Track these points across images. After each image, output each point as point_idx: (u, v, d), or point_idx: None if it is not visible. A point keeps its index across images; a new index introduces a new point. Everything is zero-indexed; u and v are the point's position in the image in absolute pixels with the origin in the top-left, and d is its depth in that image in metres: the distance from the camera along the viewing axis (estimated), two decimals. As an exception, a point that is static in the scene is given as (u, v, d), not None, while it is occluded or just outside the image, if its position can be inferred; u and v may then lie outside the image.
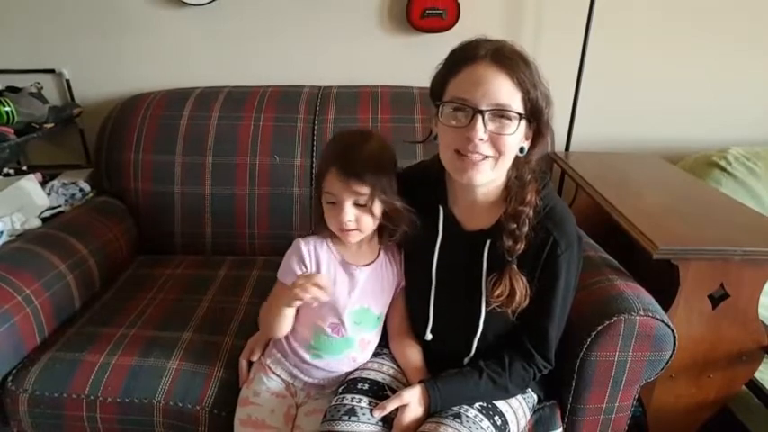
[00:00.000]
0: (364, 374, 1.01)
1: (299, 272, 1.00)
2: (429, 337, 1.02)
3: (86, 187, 1.68)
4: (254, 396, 1.05)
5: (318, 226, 1.01)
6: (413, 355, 1.03)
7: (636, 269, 1.17)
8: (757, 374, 1.30)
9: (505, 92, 0.82)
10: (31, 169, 1.73)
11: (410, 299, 1.06)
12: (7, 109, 1.59)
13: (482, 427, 0.91)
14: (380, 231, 1.02)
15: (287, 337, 1.07)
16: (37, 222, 1.45)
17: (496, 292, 0.91)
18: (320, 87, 1.77)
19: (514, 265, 0.91)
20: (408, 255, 1.04)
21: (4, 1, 1.78)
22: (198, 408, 1.10)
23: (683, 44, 1.85)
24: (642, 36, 1.84)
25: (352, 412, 0.91)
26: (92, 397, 1.10)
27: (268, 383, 1.06)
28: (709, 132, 1.94)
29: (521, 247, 0.90)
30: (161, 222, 1.64)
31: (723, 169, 1.64)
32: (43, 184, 1.63)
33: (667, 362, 1.05)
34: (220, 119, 1.64)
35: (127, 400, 1.10)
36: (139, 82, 1.85)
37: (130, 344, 1.18)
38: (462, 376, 0.96)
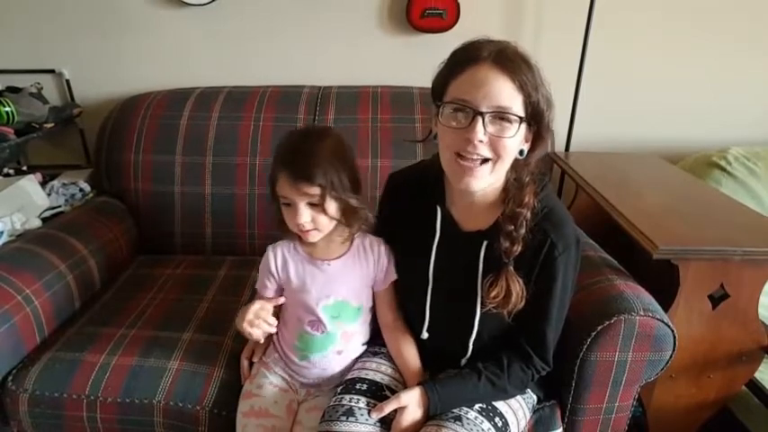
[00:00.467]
0: (363, 374, 1.01)
1: (268, 284, 1.05)
2: (425, 336, 1.02)
3: (86, 187, 1.68)
4: (256, 389, 1.06)
5: (281, 228, 1.01)
6: (408, 353, 1.02)
7: (636, 269, 1.17)
8: (757, 374, 1.30)
9: (507, 94, 0.82)
10: (31, 169, 1.73)
11: (407, 298, 1.06)
12: (7, 109, 1.59)
13: (483, 429, 0.91)
14: (352, 218, 1.01)
15: (278, 341, 1.09)
16: (37, 222, 1.45)
17: (492, 294, 0.91)
18: (320, 87, 1.77)
19: (511, 267, 0.91)
20: (405, 254, 1.04)
21: (4, 1, 1.79)
22: (198, 408, 1.10)
23: (683, 44, 1.85)
24: (642, 36, 1.84)
25: (350, 413, 0.91)
26: (92, 397, 1.10)
27: (271, 377, 1.07)
28: (709, 132, 1.94)
29: (518, 248, 0.90)
30: (161, 222, 1.64)
31: (723, 169, 1.64)
32: (43, 184, 1.63)
33: (667, 362, 1.05)
34: (220, 119, 1.64)
35: (127, 400, 1.10)
36: (139, 82, 1.85)
37: (131, 344, 1.18)
38: (461, 378, 0.96)
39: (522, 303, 0.92)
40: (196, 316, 1.30)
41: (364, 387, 0.97)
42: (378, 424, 0.92)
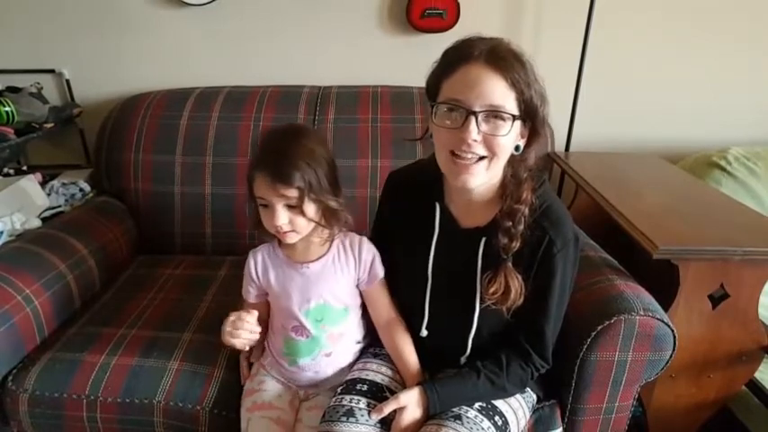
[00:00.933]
0: (363, 375, 1.01)
1: (250, 290, 1.06)
2: (424, 333, 1.02)
3: (86, 187, 1.68)
4: (258, 385, 1.06)
5: (259, 228, 0.99)
6: (406, 353, 1.02)
7: (636, 269, 1.17)
8: (757, 374, 1.30)
9: (499, 93, 0.82)
10: (31, 169, 1.73)
11: (406, 295, 1.06)
12: (7, 109, 1.59)
13: (483, 428, 0.91)
14: (330, 220, 0.99)
15: (269, 347, 1.09)
16: (37, 222, 1.45)
17: (491, 290, 0.91)
18: (320, 87, 1.77)
19: (509, 263, 0.91)
20: (405, 252, 1.04)
21: (4, 1, 1.79)
22: (198, 408, 1.10)
23: (683, 44, 1.85)
24: (642, 36, 1.84)
25: (350, 413, 0.91)
26: (92, 397, 1.10)
27: (271, 375, 1.08)
28: (709, 132, 1.94)
29: (516, 245, 0.90)
30: (161, 222, 1.64)
31: (723, 169, 1.64)
32: (43, 184, 1.63)
33: (667, 362, 1.05)
34: (220, 119, 1.64)
35: (127, 400, 1.10)
36: (139, 82, 1.85)
37: (131, 344, 1.19)
38: (460, 377, 0.96)
39: (521, 300, 0.92)
40: (196, 316, 1.30)
41: (364, 388, 0.97)
42: (378, 425, 0.92)
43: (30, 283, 1.20)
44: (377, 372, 1.02)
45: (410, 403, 0.91)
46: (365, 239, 1.04)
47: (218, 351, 1.17)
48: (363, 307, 1.08)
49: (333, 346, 1.03)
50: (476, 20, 1.75)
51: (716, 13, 1.80)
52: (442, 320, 1.01)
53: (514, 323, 0.96)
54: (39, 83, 1.78)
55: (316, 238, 1.00)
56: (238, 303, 1.09)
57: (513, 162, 0.91)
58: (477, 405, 0.95)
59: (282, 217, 0.92)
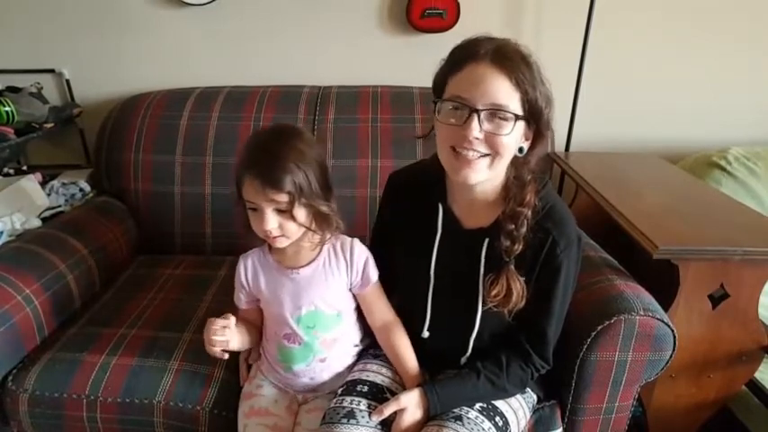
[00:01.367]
0: (364, 376, 1.00)
1: (241, 296, 1.04)
2: (426, 334, 1.02)
3: (86, 187, 1.68)
4: (256, 389, 1.06)
5: (247, 231, 0.96)
6: (405, 355, 1.01)
7: (636, 269, 1.17)
8: (757, 374, 1.30)
9: (503, 92, 0.82)
10: (31, 169, 1.73)
11: (407, 296, 1.06)
12: (7, 109, 1.59)
13: (483, 429, 0.91)
14: (321, 225, 0.97)
15: (264, 353, 1.08)
16: (37, 222, 1.45)
17: (493, 292, 0.91)
18: (320, 87, 1.77)
19: (512, 266, 0.91)
20: (407, 253, 1.03)
21: (4, 1, 1.79)
22: (198, 408, 1.10)
23: (683, 44, 1.85)
24: (642, 36, 1.84)
25: (350, 415, 0.91)
26: (92, 397, 1.10)
27: (269, 378, 1.07)
28: (709, 132, 1.94)
29: (518, 247, 0.90)
30: (161, 222, 1.64)
31: (723, 169, 1.64)
32: (43, 184, 1.63)
33: (667, 362, 1.05)
34: (220, 119, 1.64)
35: (127, 400, 1.10)
36: (139, 82, 1.85)
37: (131, 344, 1.18)
38: (460, 379, 0.96)
39: (523, 302, 0.92)
40: (196, 316, 1.30)
41: (365, 389, 0.97)
42: (378, 426, 0.92)
43: (30, 283, 1.20)
44: (377, 373, 1.02)
45: (410, 405, 0.91)
46: (357, 242, 1.02)
47: (218, 351, 1.17)
48: (359, 310, 1.06)
49: (327, 351, 1.02)
50: (476, 20, 1.75)
51: (716, 13, 1.80)
52: (443, 321, 1.00)
53: (516, 324, 0.95)
54: (39, 83, 1.78)
55: (306, 243, 0.98)
56: (234, 307, 1.08)
57: (516, 164, 0.91)
58: (477, 406, 0.95)
59: (272, 221, 0.89)
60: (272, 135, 0.93)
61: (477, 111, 0.82)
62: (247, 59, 1.87)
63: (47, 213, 1.51)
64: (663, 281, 1.16)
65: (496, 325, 0.96)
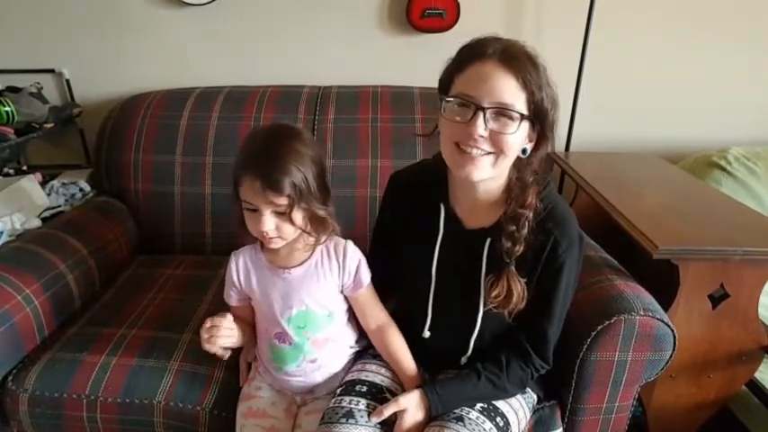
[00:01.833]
0: (362, 376, 1.00)
1: (232, 294, 1.04)
2: (427, 334, 1.02)
3: (86, 187, 1.68)
4: (254, 390, 1.06)
5: (241, 230, 0.96)
6: (403, 356, 1.01)
7: (636, 269, 1.17)
8: (757, 374, 1.30)
9: (509, 91, 0.82)
10: (31, 169, 1.73)
11: (409, 296, 1.06)
12: (7, 109, 1.59)
13: (484, 429, 0.91)
14: (318, 228, 0.96)
15: (258, 353, 1.08)
16: (37, 222, 1.45)
17: (494, 293, 0.91)
18: (320, 87, 1.77)
19: (512, 267, 0.91)
20: (408, 253, 1.03)
21: (4, 1, 1.78)
22: (198, 408, 1.10)
23: (683, 44, 1.85)
24: (642, 36, 1.84)
25: (350, 415, 0.91)
26: (92, 397, 1.10)
27: (266, 380, 1.07)
28: (709, 132, 1.94)
29: (519, 249, 0.90)
30: (161, 222, 1.64)
31: (723, 169, 1.64)
32: (43, 184, 1.63)
33: (667, 362, 1.05)
34: (220, 119, 1.64)
35: (127, 400, 1.10)
36: (139, 82, 1.85)
37: (131, 344, 1.18)
38: (460, 379, 0.96)
39: (523, 304, 0.92)
40: (196, 316, 1.30)
41: (364, 389, 0.97)
42: (378, 426, 0.92)
43: (30, 283, 1.20)
44: (376, 373, 1.02)
45: (410, 406, 0.91)
46: (350, 244, 1.01)
47: (218, 351, 1.17)
48: (351, 311, 1.05)
49: (317, 352, 1.01)
50: (476, 20, 1.75)
51: (716, 13, 1.80)
52: (444, 321, 1.00)
53: (516, 324, 0.95)
54: (39, 83, 1.78)
55: (300, 244, 0.98)
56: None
57: (518, 165, 0.91)
58: (478, 406, 0.95)
59: (269, 223, 0.89)
60: (271, 135, 0.91)
61: (482, 109, 0.82)
62: (247, 59, 1.87)
63: (47, 213, 1.51)
64: (663, 281, 1.16)
65: (497, 325, 0.96)
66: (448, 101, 0.86)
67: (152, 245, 1.66)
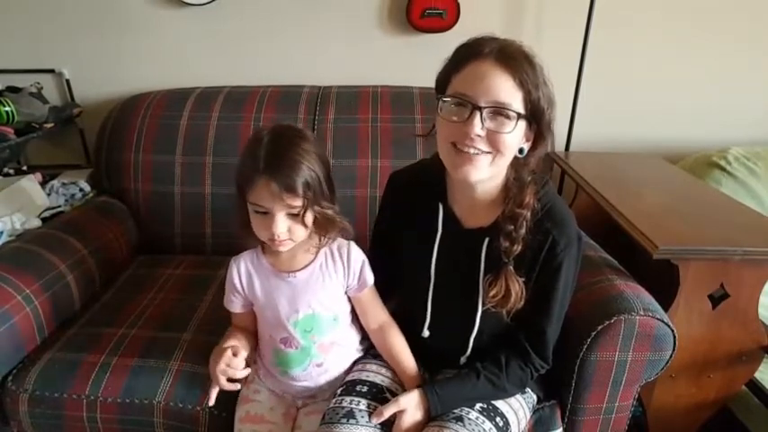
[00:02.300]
0: (363, 376, 1.00)
1: (234, 299, 1.01)
2: (426, 334, 1.02)
3: (86, 187, 1.68)
4: (253, 394, 1.05)
5: (244, 234, 0.94)
6: (403, 355, 1.01)
7: (636, 269, 1.17)
8: (757, 374, 1.30)
9: (506, 91, 0.82)
10: (31, 169, 1.73)
11: (408, 295, 1.06)
12: (7, 109, 1.59)
13: (484, 429, 0.91)
14: (327, 228, 0.95)
15: (260, 358, 1.07)
16: (37, 222, 1.45)
17: (492, 293, 0.91)
18: (320, 87, 1.77)
19: (511, 267, 0.91)
20: (408, 253, 1.03)
21: (4, 1, 1.78)
22: (198, 408, 1.10)
23: (683, 44, 1.85)
24: (642, 36, 1.84)
25: (350, 415, 0.91)
26: (92, 397, 1.10)
27: (266, 384, 1.06)
28: (709, 132, 1.94)
29: (517, 248, 0.90)
30: (161, 222, 1.64)
31: (723, 169, 1.64)
32: (43, 184, 1.63)
33: (667, 362, 1.05)
34: (220, 119, 1.64)
35: (127, 400, 1.10)
36: (139, 82, 1.85)
37: (131, 344, 1.18)
38: (460, 379, 0.96)
39: (522, 303, 0.92)
40: (196, 316, 1.30)
41: (365, 389, 0.97)
42: (378, 426, 0.92)
43: (30, 283, 1.20)
44: (377, 373, 1.02)
45: (410, 406, 0.91)
46: (353, 245, 1.00)
47: (218, 351, 1.17)
48: (354, 313, 1.05)
49: (324, 355, 1.00)
50: (476, 20, 1.75)
51: (716, 13, 1.80)
52: (443, 321, 1.01)
53: (515, 324, 0.96)
54: (39, 83, 1.78)
55: (303, 247, 0.97)
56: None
57: (516, 165, 0.91)
58: (478, 406, 0.95)
59: (282, 226, 0.88)
60: (277, 137, 0.89)
61: (479, 108, 0.82)
62: (247, 59, 1.87)
63: (47, 213, 1.51)
64: (663, 281, 1.16)
65: (496, 325, 0.96)
66: (445, 100, 0.86)
67: (152, 245, 1.66)
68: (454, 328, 0.99)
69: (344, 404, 0.93)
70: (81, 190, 1.66)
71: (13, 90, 1.72)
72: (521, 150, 0.89)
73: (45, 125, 1.70)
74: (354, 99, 1.69)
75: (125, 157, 1.63)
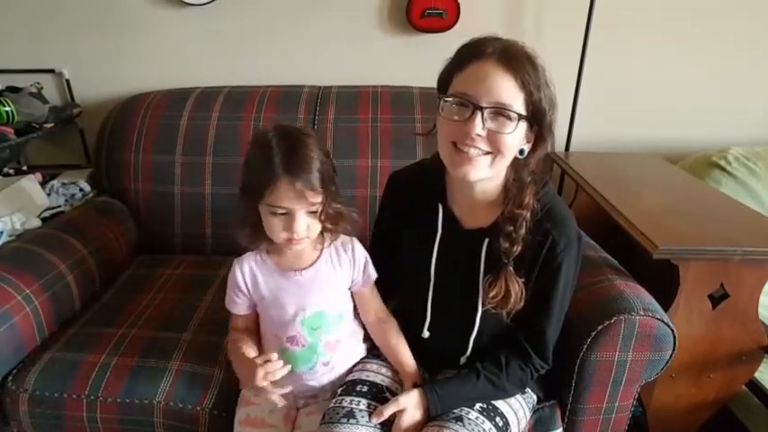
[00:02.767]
0: (363, 376, 1.00)
1: (237, 300, 1.00)
2: (426, 334, 1.02)
3: (86, 187, 1.68)
4: (254, 396, 1.05)
5: (250, 237, 0.94)
6: (402, 351, 1.01)
7: (636, 269, 1.17)
8: (757, 374, 1.30)
9: (508, 91, 0.82)
10: (31, 169, 1.73)
11: (408, 296, 1.06)
12: (7, 109, 1.59)
13: (484, 429, 0.91)
14: (338, 223, 0.96)
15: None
16: (37, 222, 1.45)
17: (491, 293, 0.91)
18: (320, 87, 1.77)
19: (510, 268, 0.91)
20: (407, 253, 1.03)
21: (4, 1, 1.78)
22: (198, 408, 1.10)
23: (683, 44, 1.85)
24: (642, 36, 1.84)
25: (350, 415, 0.91)
26: (92, 397, 1.10)
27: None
28: (709, 132, 1.94)
29: (517, 249, 0.90)
30: (161, 222, 1.64)
31: (723, 169, 1.64)
32: (43, 184, 1.63)
33: (667, 362, 1.05)
34: (220, 119, 1.64)
35: (127, 400, 1.10)
36: (139, 82, 1.85)
37: (131, 344, 1.19)
38: (460, 379, 0.96)
39: (521, 304, 0.92)
40: (196, 316, 1.30)
41: (365, 389, 0.97)
42: (378, 426, 0.92)
43: (30, 283, 1.20)
44: (377, 372, 1.02)
45: (410, 406, 0.91)
46: (356, 241, 1.01)
47: (218, 351, 1.17)
48: (355, 312, 1.06)
49: (330, 354, 1.00)
50: (476, 20, 1.75)
51: (716, 13, 1.81)
52: (443, 321, 1.01)
53: (515, 324, 0.96)
54: (39, 83, 1.78)
55: (309, 245, 0.97)
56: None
57: (516, 165, 0.91)
58: (478, 406, 0.95)
59: (303, 224, 0.88)
60: (284, 137, 0.89)
61: (480, 108, 0.82)
62: (247, 59, 1.87)
63: (47, 213, 1.51)
64: (663, 281, 1.16)
65: (496, 325, 0.96)
66: (446, 100, 0.86)
67: (152, 245, 1.66)
68: (454, 329, 0.99)
69: (345, 404, 0.93)
70: (81, 190, 1.66)
71: (13, 90, 1.72)
72: (521, 151, 0.88)
73: (45, 125, 1.70)
74: (354, 99, 1.69)
75: (125, 157, 1.63)
